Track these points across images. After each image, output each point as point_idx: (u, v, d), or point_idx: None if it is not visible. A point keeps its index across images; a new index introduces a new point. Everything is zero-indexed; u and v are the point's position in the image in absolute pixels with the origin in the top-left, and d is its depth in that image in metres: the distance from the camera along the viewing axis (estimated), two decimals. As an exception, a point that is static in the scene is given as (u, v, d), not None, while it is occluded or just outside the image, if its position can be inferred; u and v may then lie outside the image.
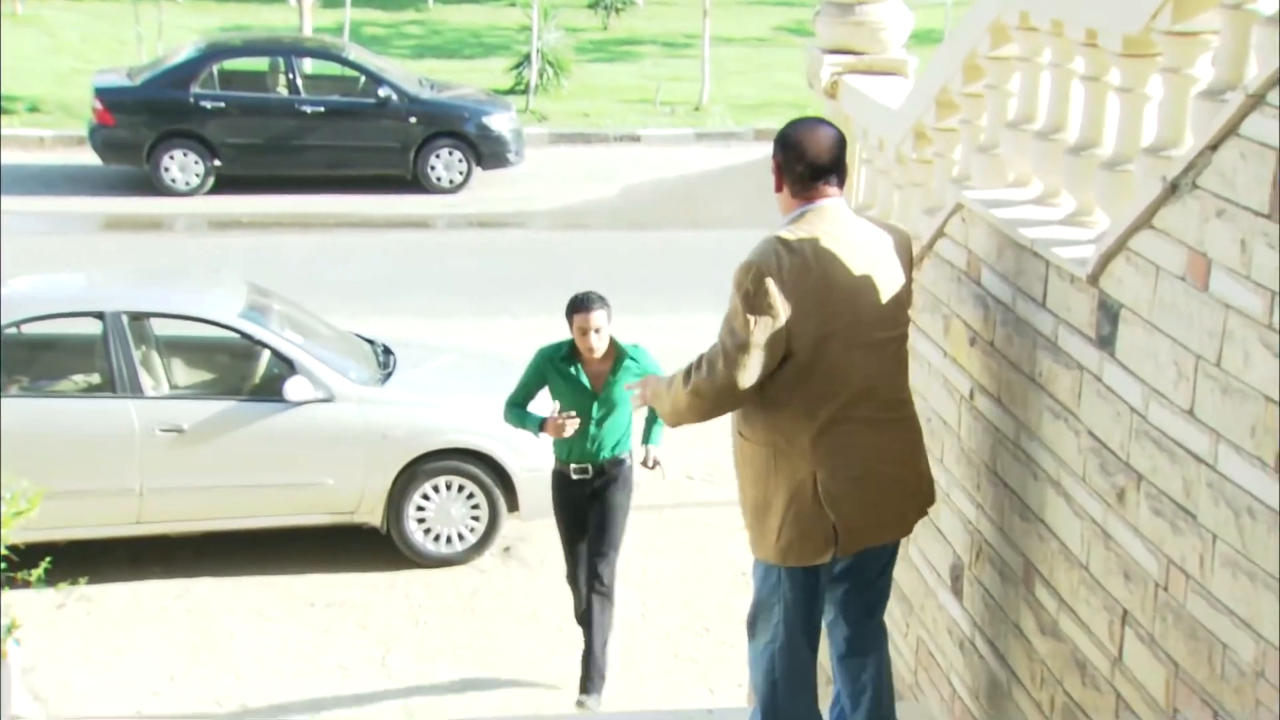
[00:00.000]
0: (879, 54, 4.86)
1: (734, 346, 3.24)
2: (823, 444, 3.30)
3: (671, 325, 11.20)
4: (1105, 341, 2.90)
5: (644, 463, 5.86)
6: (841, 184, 3.42)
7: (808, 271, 3.24)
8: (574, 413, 5.69)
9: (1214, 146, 2.54)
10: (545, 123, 17.75)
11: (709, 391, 3.31)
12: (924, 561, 3.87)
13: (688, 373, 3.38)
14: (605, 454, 5.83)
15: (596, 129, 17.73)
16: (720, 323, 3.31)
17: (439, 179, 14.66)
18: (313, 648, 6.63)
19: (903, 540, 4.00)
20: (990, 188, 3.72)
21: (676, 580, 7.29)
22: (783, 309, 3.21)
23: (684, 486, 8.29)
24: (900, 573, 4.06)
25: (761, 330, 3.22)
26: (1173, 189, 2.67)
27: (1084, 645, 2.95)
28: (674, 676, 6.46)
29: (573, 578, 6.10)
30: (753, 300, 3.22)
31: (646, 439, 5.95)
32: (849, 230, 3.37)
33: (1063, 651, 3.05)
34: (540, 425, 5.73)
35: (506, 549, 7.58)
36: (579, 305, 5.65)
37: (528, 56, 18.79)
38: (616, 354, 5.74)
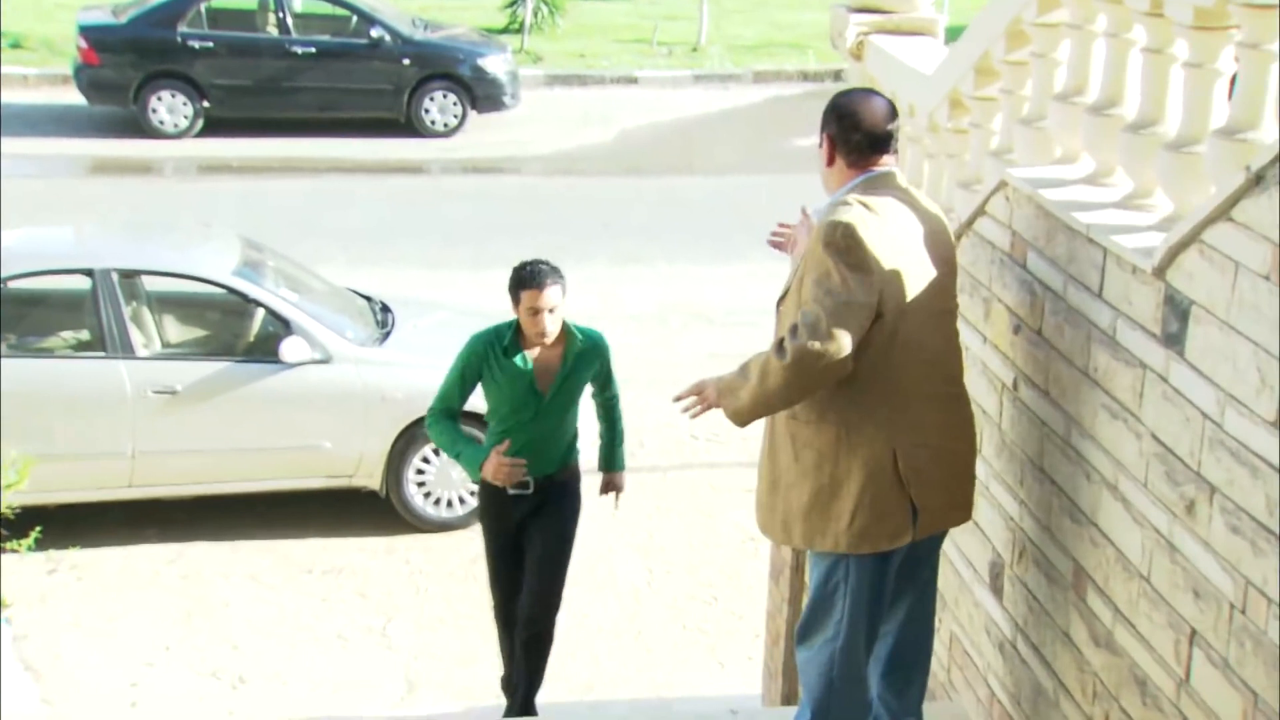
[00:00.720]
0: (907, 12, 4.62)
1: (835, 306, 3.01)
2: (902, 418, 3.16)
3: (670, 275, 11.01)
4: (1173, 340, 2.71)
5: (604, 491, 4.95)
6: (895, 154, 3.28)
7: (887, 233, 3.11)
8: (523, 462, 4.56)
9: (1307, 137, 2.33)
10: (540, 64, 17.41)
11: (816, 359, 3.00)
12: (959, 555, 3.70)
13: (779, 347, 3.07)
14: (551, 467, 4.67)
15: (592, 70, 17.40)
16: (808, 290, 3.06)
17: (433, 122, 14.37)
18: (311, 616, 6.48)
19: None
20: (1035, 164, 3.51)
21: (683, 546, 7.14)
22: (876, 267, 3.05)
23: (689, 447, 8.12)
24: (932, 563, 3.89)
25: (861, 289, 3.03)
26: (1257, 180, 2.46)
27: (1144, 662, 2.78)
28: (682, 649, 6.32)
29: (503, 617, 4.94)
30: (848, 257, 3.03)
31: (610, 464, 4.97)
32: (911, 197, 3.25)
33: (1119, 666, 2.88)
34: (479, 466, 4.56)
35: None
36: (527, 280, 4.48)
37: (522, -6, 18.40)
38: (568, 341, 4.62)
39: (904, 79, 4.39)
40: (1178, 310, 2.70)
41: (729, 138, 15.29)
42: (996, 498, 3.48)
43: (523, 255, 4.74)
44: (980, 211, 3.58)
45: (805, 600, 3.45)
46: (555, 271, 4.55)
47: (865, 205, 3.12)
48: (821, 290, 3.04)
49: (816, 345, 3.00)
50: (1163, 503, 2.72)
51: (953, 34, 4.68)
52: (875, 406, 3.15)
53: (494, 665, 6.16)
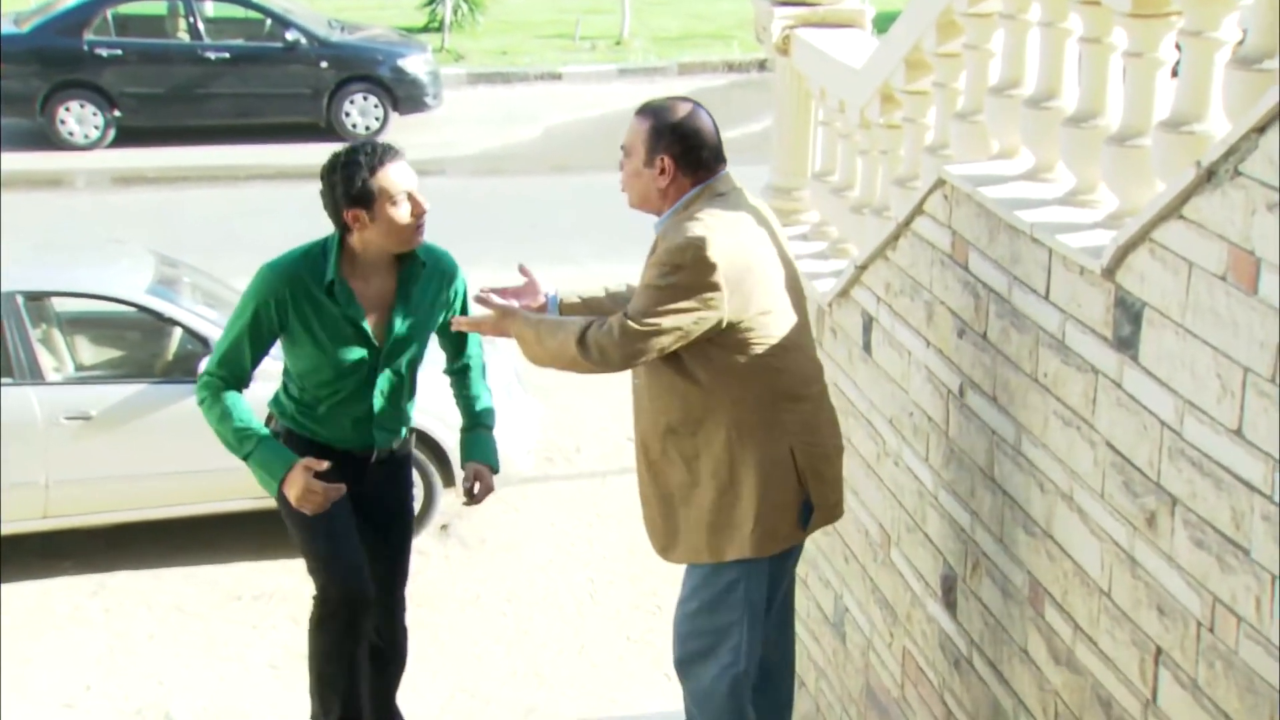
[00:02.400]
0: (833, 4, 4.49)
1: (648, 325, 3.08)
2: (793, 418, 3.24)
3: (601, 274, 10.82)
4: (1126, 344, 2.59)
5: (469, 491, 3.75)
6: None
7: (741, 240, 3.14)
8: (343, 487, 3.50)
9: (1261, 129, 2.21)
10: (462, 62, 17.15)
11: (600, 355, 3.11)
12: (908, 566, 3.57)
13: (578, 327, 3.16)
14: (396, 437, 3.73)
15: (515, 68, 17.17)
16: (639, 291, 3.14)
17: (354, 125, 14.07)
18: (241, 645, 6.24)
19: (885, 542, 3.73)
20: (972, 159, 3.39)
21: (624, 554, 6.98)
22: (727, 280, 3.08)
23: (627, 451, 7.93)
24: (881, 575, 3.77)
25: (692, 309, 3.08)
26: (1208, 175, 2.34)
27: (1108, 681, 2.66)
28: (627, 661, 6.16)
29: (354, 573, 3.74)
30: (688, 275, 3.06)
31: (476, 453, 3.79)
32: (753, 198, 3.31)
33: (1082, 685, 2.76)
34: (281, 481, 3.48)
35: (444, 527, 7.21)
36: (383, 154, 3.41)
37: (441, -8, 18.11)
38: (401, 262, 3.55)
39: (832, 74, 4.25)
40: (1129, 313, 2.58)
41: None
42: (946, 508, 3.35)
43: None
44: (918, 210, 3.45)
45: (682, 624, 3.37)
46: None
47: (715, 216, 3.12)
48: (647, 298, 3.09)
49: (608, 347, 3.10)
50: (1122, 515, 2.60)
51: (880, 22, 4.56)
52: (765, 408, 3.20)
53: (441, 687, 5.99)
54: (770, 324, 3.17)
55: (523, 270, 3.55)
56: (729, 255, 3.08)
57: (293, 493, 3.48)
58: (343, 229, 3.49)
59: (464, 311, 3.71)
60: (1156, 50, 2.75)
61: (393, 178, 3.42)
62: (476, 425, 3.86)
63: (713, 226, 3.09)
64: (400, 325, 3.56)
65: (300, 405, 3.64)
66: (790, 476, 3.22)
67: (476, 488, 3.77)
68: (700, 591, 3.32)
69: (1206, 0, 2.53)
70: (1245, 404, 2.24)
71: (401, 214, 3.44)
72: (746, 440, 3.18)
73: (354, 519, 3.69)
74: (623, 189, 3.33)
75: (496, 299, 3.36)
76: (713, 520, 3.22)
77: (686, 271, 3.06)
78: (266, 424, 3.69)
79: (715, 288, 3.07)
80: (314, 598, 3.81)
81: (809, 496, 3.25)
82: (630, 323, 3.09)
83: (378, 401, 3.61)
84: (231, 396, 3.53)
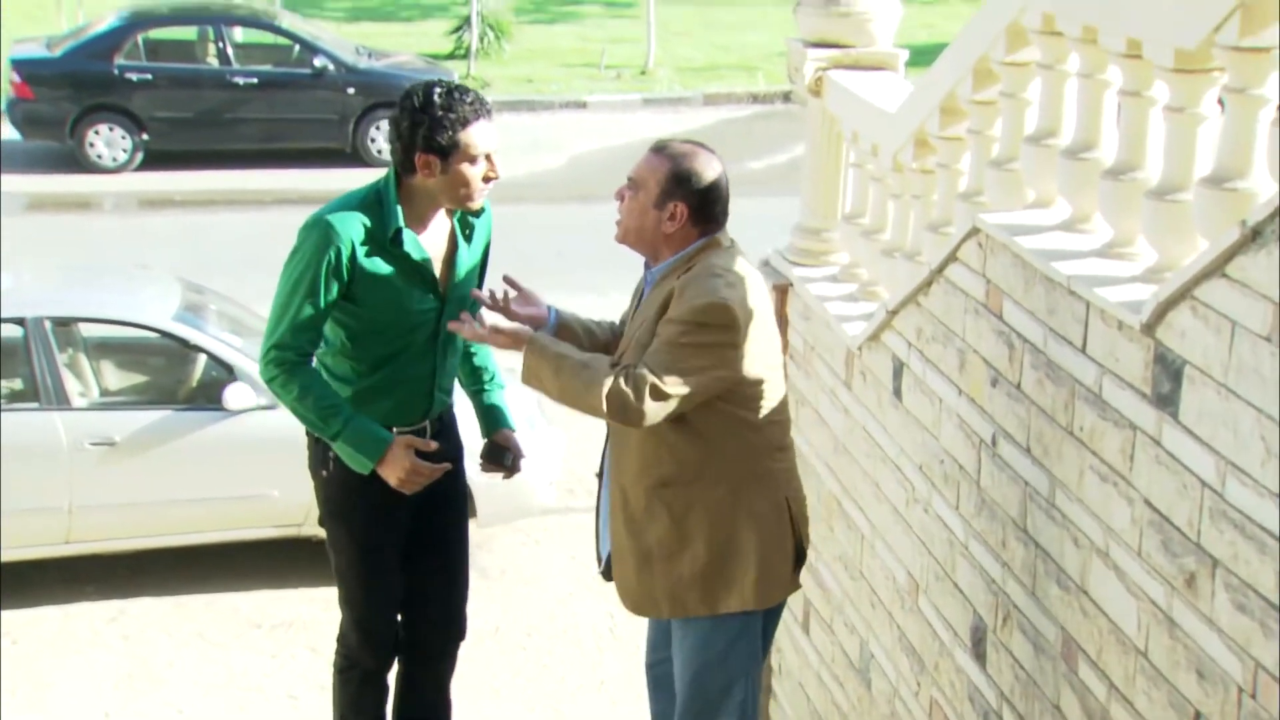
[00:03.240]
0: (866, 47, 4.48)
1: (674, 382, 3.04)
2: (783, 467, 3.31)
3: (624, 304, 10.84)
4: (1165, 401, 2.56)
5: (503, 464, 3.55)
6: None
7: (752, 298, 3.17)
8: (448, 466, 3.35)
9: (1308, 192, 2.19)
10: (487, 90, 17.20)
11: (621, 412, 3.05)
12: (937, 616, 3.54)
13: (614, 379, 3.03)
14: (449, 397, 3.50)
15: (541, 96, 17.24)
16: (662, 344, 3.08)
17: (380, 151, 14.12)
18: (260, 674, 6.23)
19: (913, 589, 3.70)
20: (1007, 207, 3.37)
21: (644, 589, 6.95)
22: (747, 340, 3.11)
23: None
24: (909, 622, 3.74)
25: (713, 369, 3.09)
26: (1254, 235, 2.32)
27: (1143, 743, 2.63)
28: (646, 699, 6.11)
29: (381, 628, 3.56)
30: (716, 335, 3.08)
31: (498, 419, 3.59)
32: (739, 249, 3.33)
33: (1116, 745, 2.73)
34: (380, 457, 3.23)
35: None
36: (473, 109, 3.20)
37: (467, 19, 18.20)
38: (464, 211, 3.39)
39: (866, 117, 4.24)
40: (1170, 370, 2.55)
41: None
42: (977, 558, 3.32)
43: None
44: (952, 257, 3.44)
45: (688, 686, 3.32)
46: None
47: (733, 274, 3.14)
48: (672, 356, 3.04)
49: (632, 402, 3.02)
50: (1160, 574, 2.57)
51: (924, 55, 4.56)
52: (763, 458, 3.23)
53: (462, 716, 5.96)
54: (773, 378, 3.22)
55: (511, 282, 3.40)
56: (747, 313, 3.11)
57: (393, 475, 3.25)
58: (405, 169, 3.25)
59: (486, 255, 3.55)
60: (1199, 105, 2.72)
61: (481, 135, 3.21)
62: (490, 385, 3.64)
63: (733, 284, 3.11)
64: (462, 271, 3.38)
65: (351, 383, 3.32)
66: (786, 525, 3.26)
67: (512, 458, 3.58)
68: (702, 652, 3.28)
69: (1249, 58, 2.51)
70: (1289, 468, 2.22)
71: (476, 173, 3.24)
72: (746, 492, 3.19)
73: (400, 550, 3.50)
74: (620, 221, 3.27)
75: (505, 324, 3.26)
76: (707, 574, 3.19)
77: (712, 331, 3.06)
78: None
79: (737, 346, 3.10)
80: (337, 637, 3.76)
81: (800, 543, 3.32)
82: (656, 382, 3.03)
83: (440, 357, 3.39)
84: (308, 370, 3.23)
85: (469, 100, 3.22)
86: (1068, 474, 2.90)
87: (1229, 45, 2.51)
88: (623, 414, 3.06)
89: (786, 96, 16.29)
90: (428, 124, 3.18)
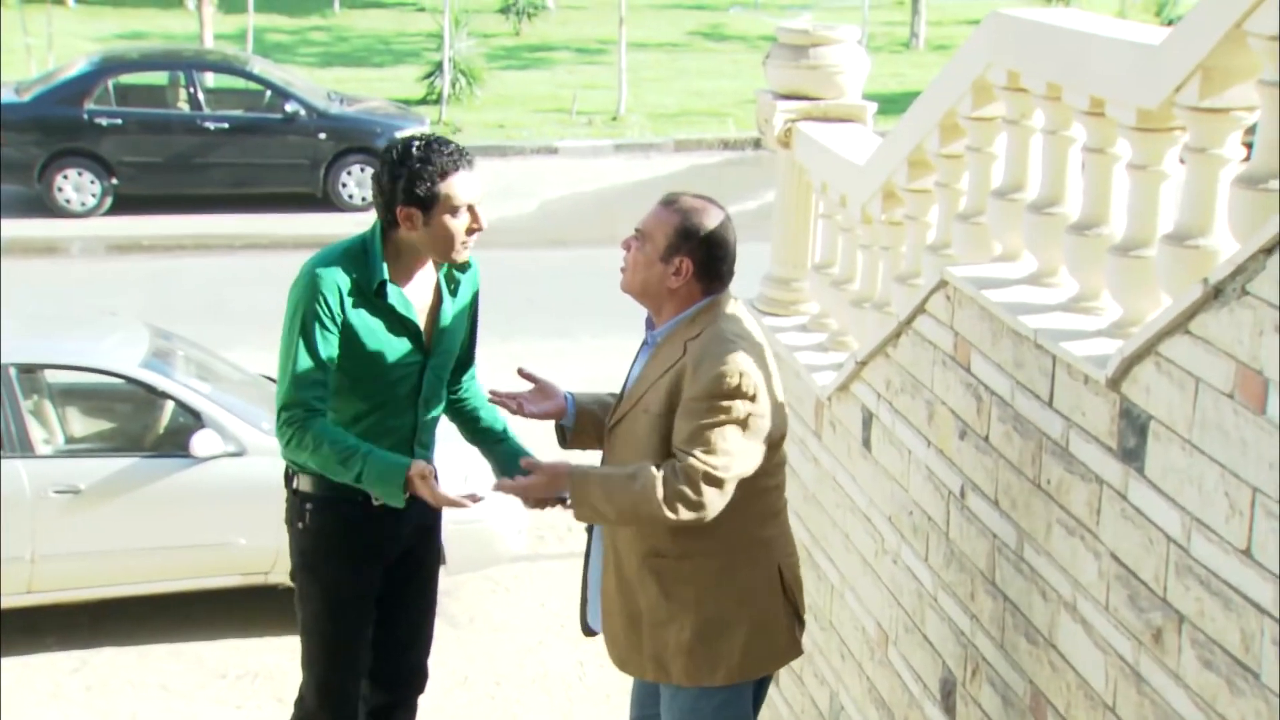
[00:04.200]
0: (835, 99, 4.53)
1: (734, 462, 2.95)
2: (777, 533, 3.20)
3: (596, 349, 10.83)
4: (1131, 455, 2.58)
5: (542, 500, 3.18)
6: None
7: (762, 361, 3.09)
8: (481, 497, 3.22)
9: (1269, 250, 2.22)
10: (459, 135, 17.24)
11: (698, 514, 2.93)
12: (906, 668, 3.54)
13: (672, 492, 2.92)
14: (429, 453, 3.45)
15: (512, 141, 17.30)
16: (700, 432, 2.95)
17: (350, 196, 14.13)
18: (225, 726, 6.15)
19: (883, 640, 3.69)
20: (975, 260, 3.40)
21: (614, 638, 6.91)
22: (767, 409, 3.03)
23: (617, 532, 7.91)
24: (879, 674, 3.73)
25: (757, 437, 3.00)
26: (1216, 293, 2.35)
27: (1112, 798, 2.63)
28: (617, 749, 6.08)
29: (343, 694, 3.47)
30: (751, 405, 2.98)
31: (516, 455, 3.44)
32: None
33: (1085, 801, 2.72)
34: (404, 481, 3.14)
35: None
36: (451, 160, 3.18)
37: (439, 65, 18.28)
38: (450, 265, 3.35)
39: (835, 168, 4.28)
40: (1135, 425, 2.57)
41: (652, 207, 15.22)
42: (946, 610, 3.33)
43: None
44: (920, 309, 3.46)
45: None
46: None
47: (745, 339, 3.06)
48: (711, 437, 2.94)
49: (692, 497, 2.92)
50: (1127, 629, 2.58)
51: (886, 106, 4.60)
52: (763, 528, 3.15)
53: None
54: (780, 442, 3.14)
55: (527, 375, 3.31)
56: (764, 377, 3.04)
57: (426, 496, 3.16)
58: (388, 223, 3.23)
59: (474, 308, 3.45)
60: (1161, 163, 2.77)
61: (461, 186, 3.17)
62: (507, 435, 3.56)
63: (748, 351, 3.02)
64: (447, 327, 3.33)
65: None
66: (778, 596, 3.16)
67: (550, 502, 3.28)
68: (689, 716, 3.18)
69: (1209, 118, 2.55)
70: (1254, 524, 2.23)
71: (458, 225, 3.19)
72: (739, 565, 3.10)
73: (368, 613, 3.45)
74: (625, 271, 3.18)
75: (538, 471, 3.07)
76: (693, 649, 3.10)
77: (740, 401, 2.96)
78: (288, 481, 3.42)
79: (764, 414, 3.03)
80: (295, 700, 3.59)
81: (797, 609, 3.23)
82: (708, 469, 2.93)
83: (422, 411, 3.33)
84: (317, 422, 3.17)
85: (448, 151, 3.19)
86: (1035, 526, 2.92)
87: (1189, 105, 2.55)
88: (688, 511, 2.94)
89: (757, 143, 16.41)
90: (406, 176, 3.16)
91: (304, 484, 3.36)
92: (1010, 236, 3.31)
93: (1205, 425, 2.36)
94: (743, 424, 2.97)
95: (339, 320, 3.17)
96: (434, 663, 6.70)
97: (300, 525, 3.41)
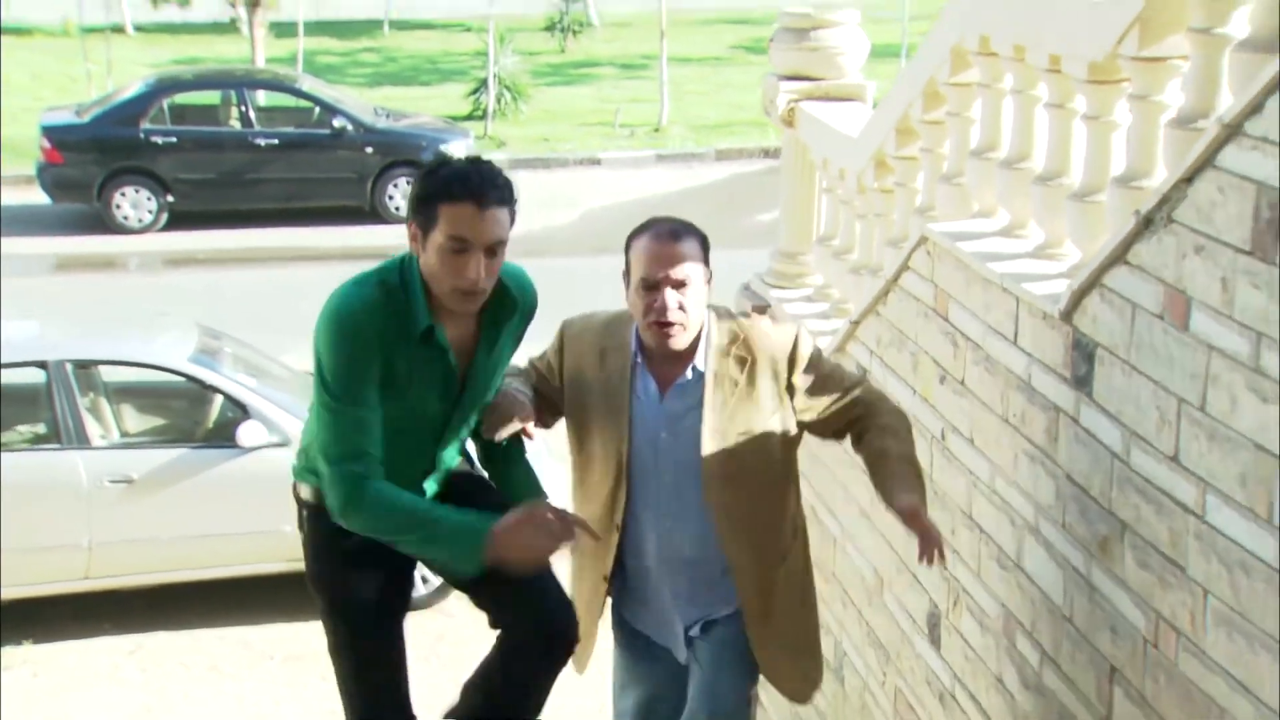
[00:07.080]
0: (836, 79, 4.73)
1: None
2: None
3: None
4: (1081, 382, 2.76)
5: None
6: None
7: None
8: (572, 533, 2.78)
9: (1189, 179, 2.40)
10: (504, 148, 17.59)
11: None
12: (900, 608, 3.72)
13: (899, 415, 3.11)
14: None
15: (556, 153, 17.60)
16: (836, 376, 3.12)
17: (397, 209, 14.45)
18: (273, 705, 6.41)
19: (879, 585, 3.87)
20: (955, 219, 3.59)
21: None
22: None
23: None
24: (876, 617, 3.91)
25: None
26: (1146, 223, 2.53)
27: (1070, 702, 2.80)
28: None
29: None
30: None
31: (531, 484, 3.06)
32: None
33: (1047, 708, 2.89)
34: (486, 543, 2.69)
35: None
36: (468, 185, 2.69)
37: (484, 82, 18.65)
38: (495, 302, 2.85)
39: (833, 144, 4.48)
40: (1084, 353, 2.75)
41: (692, 215, 15.24)
42: (930, 549, 3.50)
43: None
44: (904, 266, 3.65)
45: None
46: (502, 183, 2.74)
47: (740, 309, 3.34)
48: (846, 372, 3.20)
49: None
50: (1080, 542, 2.76)
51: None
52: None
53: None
54: None
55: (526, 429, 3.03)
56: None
57: (514, 557, 2.71)
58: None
59: (517, 344, 2.99)
60: (1111, 113, 2.95)
61: (459, 216, 2.66)
62: (516, 454, 3.11)
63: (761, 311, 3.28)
64: (483, 371, 2.87)
65: None
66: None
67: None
68: (738, 708, 3.15)
69: (1149, 67, 2.73)
70: (1180, 432, 2.41)
71: (451, 260, 2.68)
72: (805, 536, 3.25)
73: (391, 626, 3.07)
74: (680, 329, 2.91)
75: (918, 523, 2.89)
76: (800, 645, 3.18)
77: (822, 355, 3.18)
78: (296, 495, 3.06)
79: None
80: None
81: None
82: (877, 388, 3.25)
83: (441, 458, 2.93)
84: (374, 487, 2.74)
85: (474, 176, 2.70)
86: (1004, 459, 3.09)
87: (1131, 55, 2.74)
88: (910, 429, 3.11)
89: (796, 150, 16.55)
90: (419, 184, 2.75)
91: (304, 492, 3.03)
92: (986, 193, 3.49)
93: (1140, 346, 2.54)
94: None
95: (379, 363, 2.75)
96: (471, 645, 6.90)
97: (302, 534, 3.12)
